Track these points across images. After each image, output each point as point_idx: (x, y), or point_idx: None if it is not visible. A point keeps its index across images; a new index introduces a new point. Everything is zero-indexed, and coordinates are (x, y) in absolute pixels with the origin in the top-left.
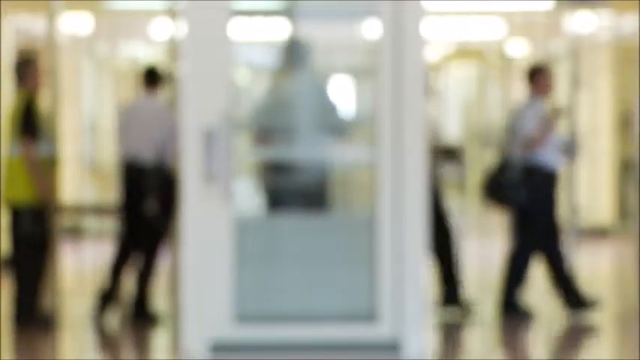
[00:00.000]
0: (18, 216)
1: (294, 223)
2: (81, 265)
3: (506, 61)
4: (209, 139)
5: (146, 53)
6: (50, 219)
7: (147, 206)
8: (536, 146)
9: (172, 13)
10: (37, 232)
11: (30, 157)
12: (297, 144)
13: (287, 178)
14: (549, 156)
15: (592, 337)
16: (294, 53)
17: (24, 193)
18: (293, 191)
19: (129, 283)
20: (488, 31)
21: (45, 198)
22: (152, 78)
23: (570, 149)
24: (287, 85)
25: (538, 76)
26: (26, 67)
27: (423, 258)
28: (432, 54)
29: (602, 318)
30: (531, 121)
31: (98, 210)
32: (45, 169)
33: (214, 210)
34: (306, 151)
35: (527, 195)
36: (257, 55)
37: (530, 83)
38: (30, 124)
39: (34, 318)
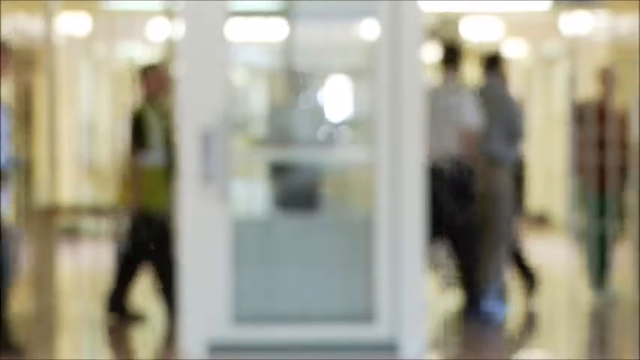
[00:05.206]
0: (131, 220)
1: (292, 224)
2: (79, 265)
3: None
4: (206, 139)
5: (144, 54)
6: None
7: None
8: None
9: (170, 14)
10: (143, 237)
11: (132, 164)
12: (295, 145)
13: (285, 179)
14: None
15: (590, 337)
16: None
17: (128, 199)
18: (291, 192)
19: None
20: (485, 31)
21: (131, 206)
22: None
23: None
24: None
25: None
26: (147, 73)
27: (421, 258)
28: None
29: (600, 318)
30: None
31: (96, 210)
32: (150, 178)
33: (212, 211)
34: (304, 151)
35: None
36: (255, 55)
37: None
38: (138, 132)
39: (124, 313)
